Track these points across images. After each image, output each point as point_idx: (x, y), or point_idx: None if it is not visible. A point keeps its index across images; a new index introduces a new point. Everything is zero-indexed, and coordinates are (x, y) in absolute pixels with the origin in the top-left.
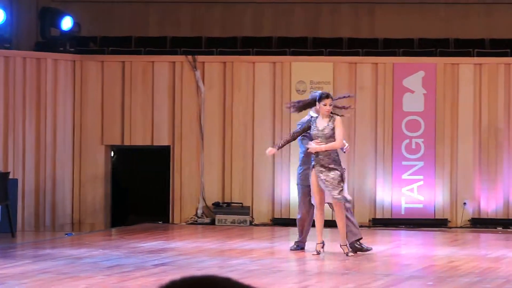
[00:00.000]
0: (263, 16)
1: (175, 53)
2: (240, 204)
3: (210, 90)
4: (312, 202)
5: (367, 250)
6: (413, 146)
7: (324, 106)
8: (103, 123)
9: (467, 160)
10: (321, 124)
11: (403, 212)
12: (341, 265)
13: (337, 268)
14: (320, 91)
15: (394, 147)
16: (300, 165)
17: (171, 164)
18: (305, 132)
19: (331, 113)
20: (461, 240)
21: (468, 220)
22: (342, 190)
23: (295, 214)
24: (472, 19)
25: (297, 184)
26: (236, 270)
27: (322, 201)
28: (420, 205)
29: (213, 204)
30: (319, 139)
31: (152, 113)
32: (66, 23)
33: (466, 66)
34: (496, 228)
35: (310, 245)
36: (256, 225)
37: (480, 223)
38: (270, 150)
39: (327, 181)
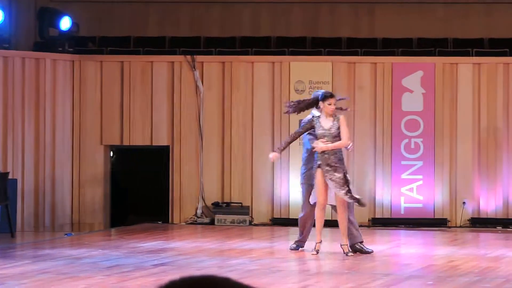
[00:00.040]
0: (261, 16)
1: (174, 53)
2: (240, 204)
3: (209, 90)
4: (311, 201)
5: (367, 252)
6: (412, 146)
7: (329, 106)
8: (102, 123)
9: (467, 160)
10: (326, 123)
11: (402, 212)
12: (341, 265)
13: (336, 267)
14: (323, 90)
15: (393, 147)
16: (303, 165)
17: (170, 164)
18: (307, 131)
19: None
20: (461, 239)
21: (468, 220)
22: (349, 190)
23: (295, 214)
24: (471, 18)
25: (301, 184)
26: (235, 270)
27: (325, 200)
28: (420, 205)
29: (212, 204)
30: (326, 138)
31: (151, 113)
32: (65, 23)
33: (465, 65)
34: (495, 227)
35: (308, 244)
36: (255, 225)
37: (480, 223)
38: (274, 155)
39: (333, 180)
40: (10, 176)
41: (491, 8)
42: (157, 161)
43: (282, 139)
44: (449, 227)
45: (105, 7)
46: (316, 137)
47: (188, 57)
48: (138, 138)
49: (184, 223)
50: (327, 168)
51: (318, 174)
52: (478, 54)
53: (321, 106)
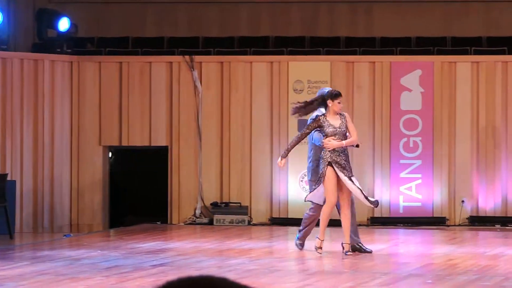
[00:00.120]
0: (260, 16)
1: (173, 54)
2: (238, 204)
3: (208, 90)
4: (315, 200)
5: (366, 252)
6: (411, 145)
7: (339, 104)
8: (101, 124)
9: (465, 158)
10: (335, 121)
11: (401, 211)
12: (340, 264)
13: (335, 267)
14: (329, 88)
15: (392, 146)
16: (312, 161)
17: (169, 164)
18: (314, 130)
19: None
20: (460, 238)
21: (466, 218)
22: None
23: (293, 213)
24: (469, 17)
25: (309, 180)
26: (234, 270)
27: (336, 199)
28: (418, 204)
29: (211, 204)
30: (337, 136)
31: (150, 114)
32: (63, 24)
33: (463, 64)
34: (494, 226)
35: (307, 244)
36: (254, 224)
37: (478, 221)
38: (283, 162)
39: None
40: (8, 177)
41: (489, 6)
42: (156, 161)
43: (280, 137)
44: (448, 225)
45: (103, 8)
46: (325, 136)
47: (187, 57)
48: (136, 138)
49: (183, 224)
50: (337, 166)
51: (329, 172)
52: (477, 52)
53: (330, 105)
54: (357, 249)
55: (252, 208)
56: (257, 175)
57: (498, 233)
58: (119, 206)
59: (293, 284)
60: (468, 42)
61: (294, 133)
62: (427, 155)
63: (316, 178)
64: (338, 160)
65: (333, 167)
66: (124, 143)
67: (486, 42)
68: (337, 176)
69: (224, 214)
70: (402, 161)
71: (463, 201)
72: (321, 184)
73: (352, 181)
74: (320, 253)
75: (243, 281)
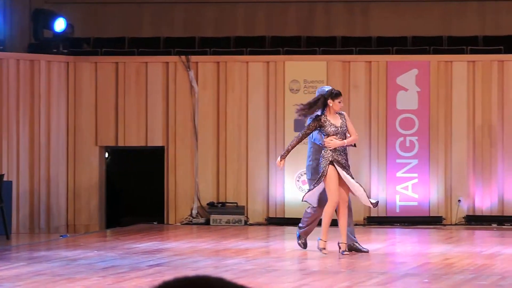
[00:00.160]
0: (256, 16)
1: (169, 54)
2: (235, 204)
3: (204, 90)
4: (310, 201)
5: (362, 251)
6: (407, 144)
7: (339, 104)
8: (97, 124)
9: (461, 157)
10: (336, 121)
11: (397, 210)
12: (336, 264)
13: (332, 266)
14: (328, 87)
15: (388, 145)
16: (311, 160)
17: (166, 164)
18: (315, 130)
19: None
20: (456, 237)
21: (463, 217)
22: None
23: (290, 213)
24: (465, 16)
25: (309, 179)
26: (231, 270)
27: (338, 198)
28: (415, 203)
29: (207, 204)
30: (338, 135)
31: (146, 114)
32: (59, 24)
33: (459, 63)
34: (490, 225)
35: (309, 244)
36: (251, 224)
37: (475, 220)
38: (281, 162)
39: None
40: (5, 178)
41: (485, 6)
42: (152, 161)
43: (277, 136)
44: (444, 225)
45: (99, 8)
46: (326, 135)
47: (183, 57)
48: (133, 139)
49: (180, 224)
50: (338, 165)
51: (331, 171)
52: (473, 52)
53: (330, 104)
54: (353, 248)
55: (249, 208)
56: (254, 175)
57: (494, 232)
58: (115, 206)
59: (290, 284)
60: (464, 42)
61: (290, 132)
62: (424, 155)
63: (316, 176)
64: (340, 159)
65: (334, 166)
66: (121, 143)
67: (482, 42)
68: (338, 175)
69: (220, 214)
70: (398, 161)
71: (459, 200)
72: (320, 184)
73: (355, 180)
74: (326, 254)
75: (240, 281)
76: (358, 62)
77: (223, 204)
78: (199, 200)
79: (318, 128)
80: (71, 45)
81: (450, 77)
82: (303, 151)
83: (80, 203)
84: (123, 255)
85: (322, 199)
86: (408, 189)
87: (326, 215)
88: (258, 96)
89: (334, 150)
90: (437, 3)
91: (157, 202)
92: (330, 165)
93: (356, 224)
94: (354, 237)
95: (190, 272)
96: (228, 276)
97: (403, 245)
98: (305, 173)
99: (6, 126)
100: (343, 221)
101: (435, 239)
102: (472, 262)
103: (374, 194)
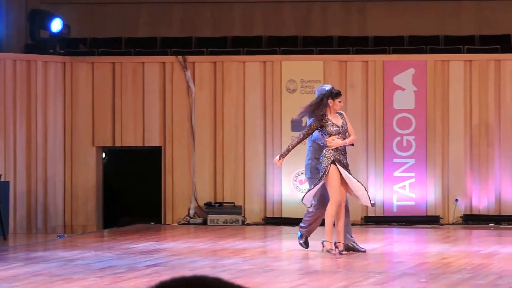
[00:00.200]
0: (253, 16)
1: (165, 54)
2: (232, 204)
3: (201, 90)
4: (309, 202)
5: (360, 251)
6: (404, 144)
7: (339, 103)
8: (94, 124)
9: (459, 157)
10: (337, 120)
11: (395, 210)
12: (334, 264)
13: (329, 266)
14: (328, 86)
15: (385, 145)
16: (310, 159)
17: (163, 164)
18: (316, 129)
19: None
20: (453, 236)
21: (460, 217)
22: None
23: (287, 213)
24: (462, 16)
25: (308, 178)
26: (228, 270)
27: (340, 196)
28: (412, 203)
29: (205, 204)
30: (340, 135)
31: (143, 114)
32: (56, 25)
33: (456, 63)
34: (488, 224)
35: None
36: (248, 224)
37: (472, 220)
38: (279, 161)
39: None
40: (2, 179)
41: (482, 5)
42: (149, 162)
43: (273, 136)
44: (442, 224)
45: (96, 8)
46: (328, 135)
47: (180, 57)
48: (130, 139)
49: (177, 224)
50: (340, 164)
51: (333, 170)
52: (470, 51)
53: (330, 104)
54: (351, 248)
55: (246, 208)
56: (251, 175)
57: (491, 231)
58: (112, 206)
59: (287, 284)
60: (461, 41)
61: (287, 132)
62: (421, 154)
63: (316, 175)
64: (341, 158)
65: (336, 165)
66: (118, 143)
67: (479, 41)
68: (340, 175)
69: (218, 214)
70: (395, 160)
71: (456, 200)
72: (319, 184)
73: (356, 179)
74: (335, 254)
75: (237, 281)
76: (355, 62)
77: (221, 204)
78: (196, 200)
79: (319, 128)
80: (68, 45)
81: (447, 76)
82: (300, 151)
83: (77, 204)
84: (121, 255)
85: (324, 198)
86: (405, 189)
87: (329, 215)
88: (255, 96)
89: (336, 149)
90: (433, 2)
91: (154, 202)
92: (332, 164)
93: (353, 224)
94: (351, 236)
95: (187, 272)
96: (225, 276)
97: (400, 244)
98: (302, 173)
99: (3, 127)
100: (341, 221)
101: (432, 239)
102: (470, 261)
103: (371, 194)
